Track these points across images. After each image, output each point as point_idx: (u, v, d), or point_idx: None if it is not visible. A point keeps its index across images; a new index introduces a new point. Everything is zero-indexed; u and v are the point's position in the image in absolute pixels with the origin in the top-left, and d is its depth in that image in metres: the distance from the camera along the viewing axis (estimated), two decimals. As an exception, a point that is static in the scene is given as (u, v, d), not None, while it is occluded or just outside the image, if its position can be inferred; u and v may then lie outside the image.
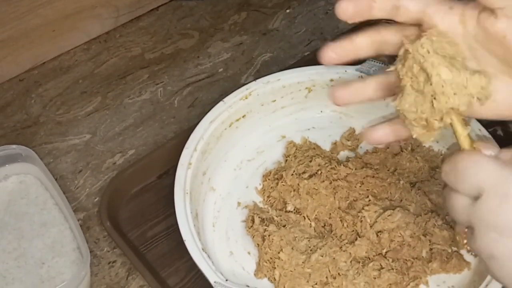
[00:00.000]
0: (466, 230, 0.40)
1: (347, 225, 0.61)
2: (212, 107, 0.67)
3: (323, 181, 0.63)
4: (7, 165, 0.67)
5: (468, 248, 0.40)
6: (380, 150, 0.67)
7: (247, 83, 0.69)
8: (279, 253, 0.58)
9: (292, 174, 0.64)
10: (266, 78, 0.70)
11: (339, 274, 0.57)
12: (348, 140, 0.70)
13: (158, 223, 0.66)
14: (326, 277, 0.57)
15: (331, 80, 0.70)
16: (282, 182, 0.64)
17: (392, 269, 0.57)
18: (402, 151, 0.67)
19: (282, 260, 0.58)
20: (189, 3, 0.93)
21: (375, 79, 0.47)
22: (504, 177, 0.36)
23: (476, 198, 0.37)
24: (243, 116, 0.69)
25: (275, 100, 0.71)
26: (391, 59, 0.71)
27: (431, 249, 0.58)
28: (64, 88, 0.82)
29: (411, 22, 0.43)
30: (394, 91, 0.44)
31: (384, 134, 0.47)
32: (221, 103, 0.68)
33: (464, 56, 0.41)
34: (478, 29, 0.40)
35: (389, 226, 0.59)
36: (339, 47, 0.45)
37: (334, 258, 0.57)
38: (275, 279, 0.58)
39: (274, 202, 0.64)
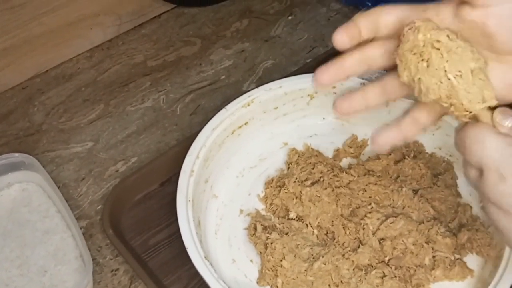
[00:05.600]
0: None
1: (349, 233, 0.60)
2: (215, 114, 0.67)
3: (326, 188, 0.63)
4: (9, 173, 0.67)
5: None
6: (383, 157, 0.67)
7: (249, 90, 0.70)
8: (281, 260, 0.58)
9: (295, 182, 0.64)
10: (268, 85, 0.70)
11: (341, 282, 0.57)
12: (351, 147, 0.70)
13: (161, 231, 0.66)
14: (329, 285, 0.57)
15: (333, 87, 0.70)
16: (284, 189, 0.64)
17: (395, 276, 0.57)
18: (404, 158, 0.67)
19: (285, 268, 0.57)
20: (191, 10, 0.93)
21: (375, 84, 0.48)
22: (504, 157, 0.38)
23: (481, 172, 0.39)
24: (245, 123, 0.69)
25: (277, 107, 0.71)
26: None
27: (434, 256, 0.58)
28: (66, 96, 0.82)
29: (392, 35, 0.45)
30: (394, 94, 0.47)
31: (390, 136, 0.47)
32: (223, 110, 0.68)
33: None
34: (456, 23, 0.42)
35: (391, 233, 0.59)
36: (331, 70, 0.47)
37: (336, 266, 0.57)
38: (277, 287, 0.58)
39: (276, 209, 0.64)
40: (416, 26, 0.42)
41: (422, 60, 0.42)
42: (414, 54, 0.42)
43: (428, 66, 0.41)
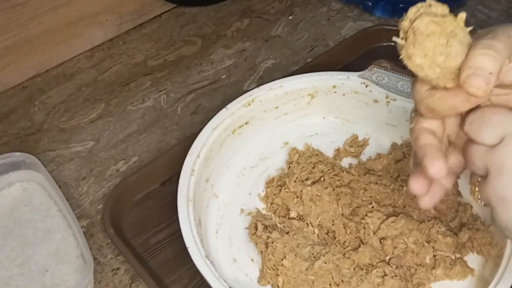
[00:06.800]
0: (479, 179, 0.43)
1: (350, 232, 0.61)
2: (215, 113, 0.67)
3: (326, 188, 0.63)
4: (10, 173, 0.67)
5: (479, 196, 0.44)
6: (383, 156, 0.67)
7: (250, 90, 0.70)
8: (282, 260, 0.58)
9: (295, 181, 0.64)
10: (268, 84, 0.70)
11: (342, 281, 0.57)
12: (351, 147, 0.70)
13: (161, 230, 0.66)
14: (330, 284, 0.57)
15: (334, 87, 0.70)
16: (285, 188, 0.64)
17: (396, 276, 0.57)
18: (405, 157, 0.67)
19: (286, 267, 0.57)
20: (192, 9, 0.93)
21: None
22: None
23: (495, 145, 0.40)
24: (246, 123, 0.69)
25: (277, 107, 0.71)
26: (393, 65, 0.72)
27: (434, 255, 0.58)
28: (67, 95, 0.82)
29: None
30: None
31: (436, 194, 0.47)
32: (224, 109, 0.68)
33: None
34: None
35: (392, 232, 0.59)
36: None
37: (337, 265, 0.57)
38: (278, 286, 0.58)
39: (277, 209, 0.64)
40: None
41: (443, 31, 0.40)
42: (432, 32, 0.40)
43: (456, 35, 0.40)
